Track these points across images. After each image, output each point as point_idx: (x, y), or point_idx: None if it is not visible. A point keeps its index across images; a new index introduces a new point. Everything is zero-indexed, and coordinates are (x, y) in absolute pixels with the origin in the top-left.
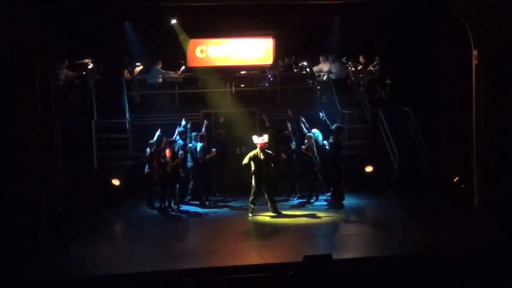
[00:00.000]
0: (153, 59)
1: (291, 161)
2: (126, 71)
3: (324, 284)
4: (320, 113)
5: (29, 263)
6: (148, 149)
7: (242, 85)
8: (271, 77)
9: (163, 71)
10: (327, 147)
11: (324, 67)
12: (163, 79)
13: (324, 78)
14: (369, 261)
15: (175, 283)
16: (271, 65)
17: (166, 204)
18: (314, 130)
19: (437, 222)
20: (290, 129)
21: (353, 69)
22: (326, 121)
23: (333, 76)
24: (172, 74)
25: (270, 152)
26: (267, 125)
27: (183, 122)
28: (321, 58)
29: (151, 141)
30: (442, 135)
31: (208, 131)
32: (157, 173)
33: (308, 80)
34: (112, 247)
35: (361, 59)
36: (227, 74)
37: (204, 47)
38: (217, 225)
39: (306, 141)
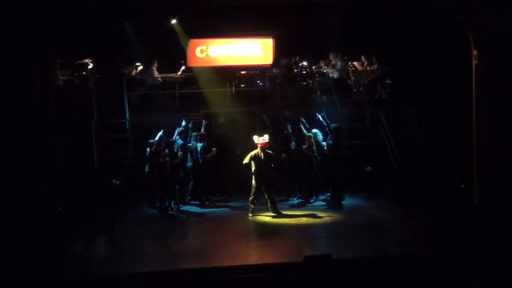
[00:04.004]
0: (151, 59)
1: (291, 161)
2: (127, 71)
3: (324, 284)
4: (317, 114)
5: (29, 263)
6: (148, 149)
7: (242, 85)
8: (268, 78)
9: (158, 75)
10: (325, 147)
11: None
12: (163, 79)
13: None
14: (369, 261)
15: (175, 283)
16: (271, 64)
17: (166, 204)
18: (314, 130)
19: (437, 222)
20: (290, 129)
21: (353, 69)
22: (324, 122)
23: (335, 75)
24: (159, 76)
25: (270, 152)
26: (268, 125)
27: (183, 123)
28: (331, 55)
29: (151, 140)
30: (442, 135)
31: (207, 130)
32: (157, 173)
33: (308, 80)
34: (112, 247)
35: (362, 59)
36: (227, 74)
37: (204, 47)
38: (217, 225)
39: (306, 141)
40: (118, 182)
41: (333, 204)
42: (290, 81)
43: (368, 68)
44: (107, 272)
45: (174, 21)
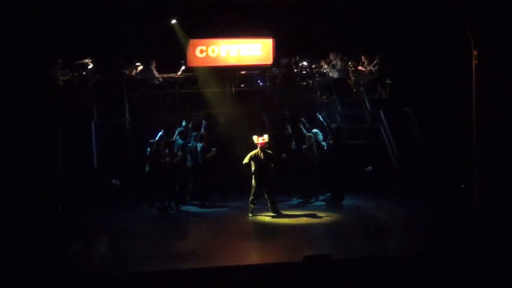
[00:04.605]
0: (149, 58)
1: (291, 161)
2: (127, 71)
3: (324, 284)
4: (317, 114)
5: (29, 263)
6: (148, 149)
7: (242, 85)
8: (268, 78)
9: (157, 74)
10: (325, 147)
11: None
12: (163, 79)
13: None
14: (369, 261)
15: (176, 283)
16: (271, 64)
17: (166, 204)
18: (314, 130)
19: (437, 222)
20: (290, 129)
21: (353, 69)
22: (324, 122)
23: (335, 75)
24: (159, 76)
25: (270, 152)
26: (267, 125)
27: (183, 123)
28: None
29: (151, 140)
30: (442, 135)
31: (207, 130)
32: (157, 173)
33: (308, 80)
34: (112, 247)
35: (362, 59)
36: (227, 74)
37: (204, 47)
38: (217, 225)
39: (306, 141)
40: (118, 182)
41: (333, 204)
42: (290, 81)
43: (367, 68)
44: (107, 272)
45: (174, 21)
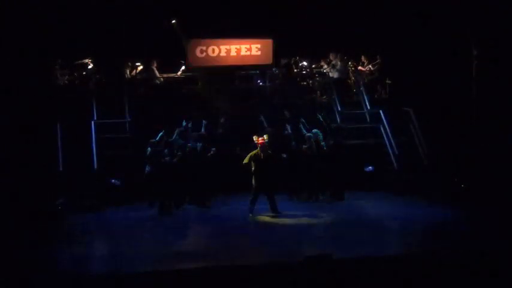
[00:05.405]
0: (150, 58)
1: (291, 161)
2: (127, 71)
3: (324, 284)
4: (317, 114)
5: (29, 263)
6: (149, 149)
7: (242, 85)
8: (268, 78)
9: (158, 74)
10: (325, 147)
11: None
12: (163, 79)
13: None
14: (369, 261)
15: (176, 283)
16: (270, 64)
17: (166, 204)
18: (314, 130)
19: (437, 221)
20: (289, 130)
21: (353, 69)
22: (324, 122)
23: (335, 75)
24: (160, 76)
25: (270, 152)
26: (266, 125)
27: (183, 123)
28: (331, 55)
29: (152, 140)
30: (442, 134)
31: (207, 130)
32: (157, 173)
33: (308, 80)
34: (112, 247)
35: (362, 59)
36: (227, 74)
37: (204, 47)
38: (218, 225)
39: (306, 141)
40: (118, 182)
41: (333, 204)
42: (290, 81)
43: (367, 68)
44: (107, 272)
45: (174, 21)
